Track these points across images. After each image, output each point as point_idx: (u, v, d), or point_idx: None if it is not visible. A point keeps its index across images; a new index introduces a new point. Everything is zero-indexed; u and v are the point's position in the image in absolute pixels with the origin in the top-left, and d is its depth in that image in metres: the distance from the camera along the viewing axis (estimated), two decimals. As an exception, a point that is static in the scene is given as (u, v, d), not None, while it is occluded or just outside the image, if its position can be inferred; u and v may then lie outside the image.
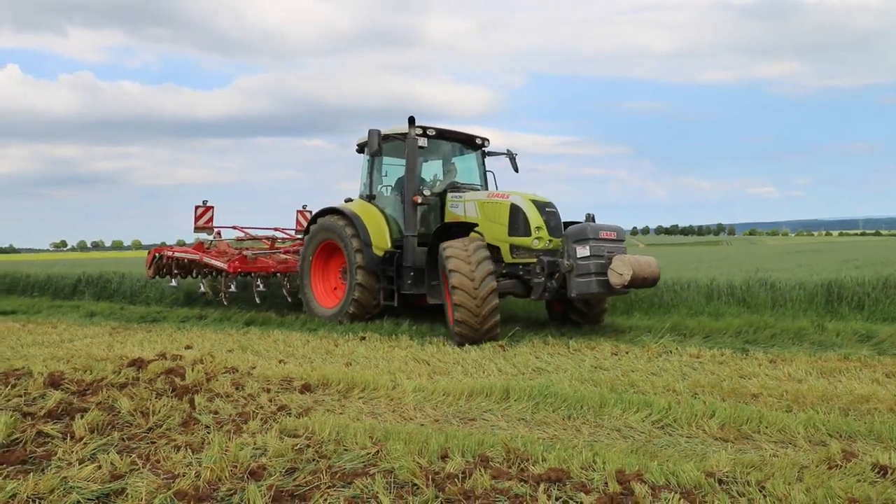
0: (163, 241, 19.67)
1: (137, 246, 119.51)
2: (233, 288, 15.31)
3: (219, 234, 15.73)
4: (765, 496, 4.26)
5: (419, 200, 11.78)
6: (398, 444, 5.21)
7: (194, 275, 16.14)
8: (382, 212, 12.68)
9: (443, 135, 12.51)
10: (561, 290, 10.54)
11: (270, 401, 6.88)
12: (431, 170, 13.34)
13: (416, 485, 4.52)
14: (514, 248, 11.06)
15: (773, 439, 5.61)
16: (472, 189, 12.41)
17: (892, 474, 4.66)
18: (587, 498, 4.25)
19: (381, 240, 12.34)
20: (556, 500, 4.28)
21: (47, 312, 17.00)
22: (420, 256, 11.72)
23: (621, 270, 9.83)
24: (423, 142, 11.87)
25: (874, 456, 4.96)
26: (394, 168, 13.16)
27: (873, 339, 9.65)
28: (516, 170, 13.14)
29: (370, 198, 12.94)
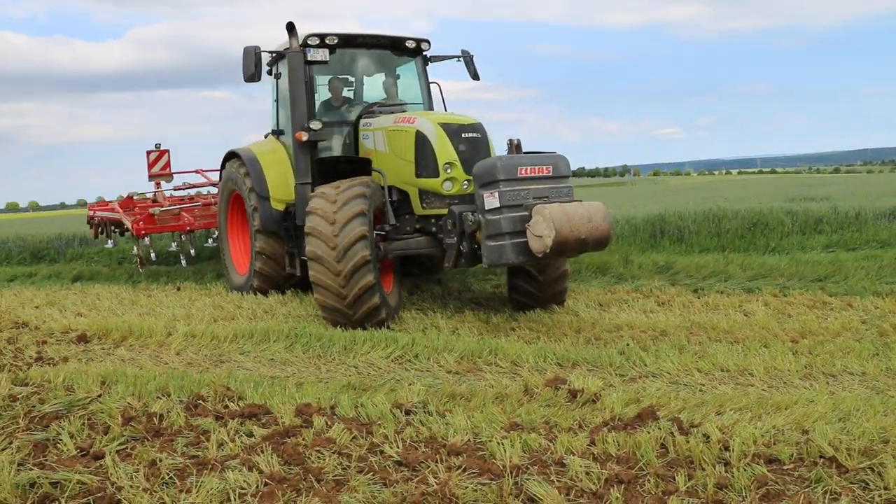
0: (99, 196, 16.82)
1: (34, 207, 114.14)
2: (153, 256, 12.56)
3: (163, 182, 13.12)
4: (446, 423, 4.47)
5: (304, 138, 8.22)
6: (121, 387, 5.30)
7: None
8: (290, 152, 9.27)
9: (353, 42, 9.13)
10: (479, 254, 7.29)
11: (38, 353, 6.90)
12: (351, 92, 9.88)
13: (108, 424, 4.58)
14: (423, 195, 7.94)
15: (502, 370, 5.86)
16: (401, 111, 8.96)
17: (580, 397, 4.95)
18: (262, 431, 4.37)
19: (282, 190, 9.18)
20: (237, 433, 4.39)
21: None
22: None
23: (540, 231, 6.52)
24: (321, 55, 8.75)
25: (577, 382, 5.24)
26: (325, 89, 9.70)
27: (670, 270, 10.13)
28: (475, 76, 9.77)
29: (279, 133, 9.68)
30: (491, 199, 6.82)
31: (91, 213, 14.06)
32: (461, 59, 9.69)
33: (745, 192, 28.78)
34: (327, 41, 8.78)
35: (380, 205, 7.77)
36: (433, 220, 7.96)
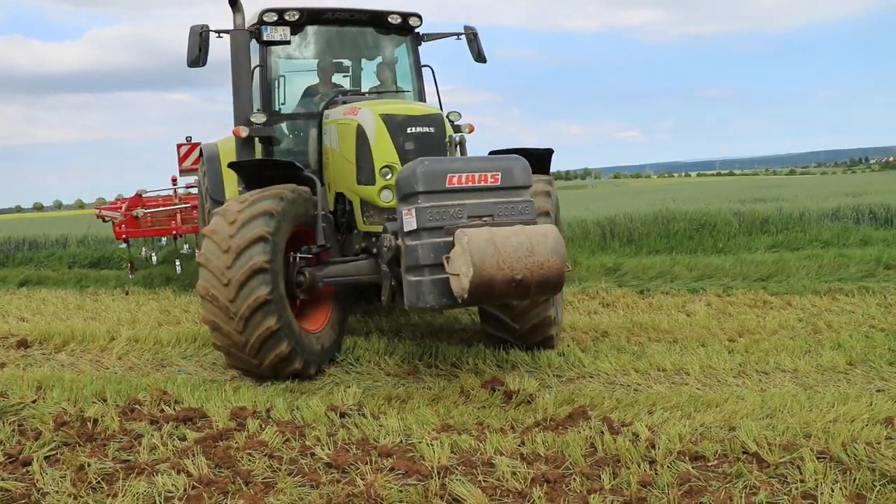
0: (119, 194, 15.22)
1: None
2: (154, 258, 11.93)
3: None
4: (379, 425, 4.51)
5: (242, 133, 6.68)
6: (56, 392, 5.25)
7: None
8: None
9: (322, 18, 7.43)
10: None
11: None
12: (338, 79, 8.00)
13: (40, 430, 4.53)
14: (364, 206, 6.36)
15: (441, 372, 5.92)
16: (377, 98, 7.24)
17: (515, 398, 5.04)
18: (195, 434, 4.36)
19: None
20: (170, 436, 4.38)
21: None
22: None
23: (457, 266, 4.84)
24: (281, 33, 7.20)
25: (514, 383, 5.31)
26: (298, 76, 8.11)
27: (618, 272, 10.27)
28: (481, 58, 7.93)
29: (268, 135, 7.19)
30: (408, 219, 5.07)
31: (98, 212, 13.41)
32: (462, 37, 7.84)
33: (701, 194, 29.24)
34: (287, 17, 7.14)
35: (308, 219, 6.14)
36: (374, 240, 6.12)
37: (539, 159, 6.69)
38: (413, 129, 6.07)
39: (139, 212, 11.23)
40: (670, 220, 13.42)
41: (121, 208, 11.81)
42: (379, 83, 7.75)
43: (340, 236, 6.59)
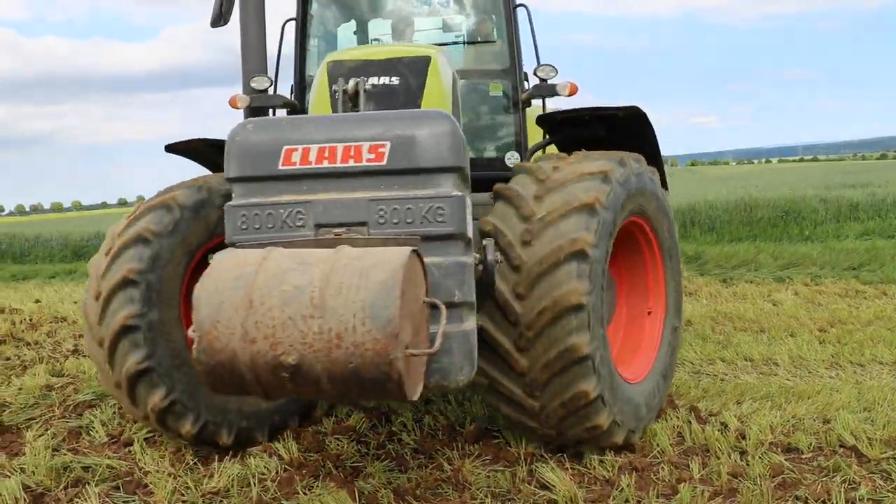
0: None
1: (78, 207, 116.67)
2: None
3: None
4: (463, 411, 4.53)
5: (239, 104, 4.78)
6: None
7: None
8: None
9: None
10: None
11: (75, 346, 7.21)
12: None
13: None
14: None
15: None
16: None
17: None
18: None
19: None
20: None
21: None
22: None
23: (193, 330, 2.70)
24: None
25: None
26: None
27: (699, 260, 10.06)
28: None
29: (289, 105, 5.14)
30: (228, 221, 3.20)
31: None
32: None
33: (784, 180, 28.30)
34: None
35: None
36: None
37: (612, 126, 4.58)
38: (367, 80, 3.81)
39: None
40: (753, 207, 13.08)
41: None
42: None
43: None
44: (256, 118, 3.49)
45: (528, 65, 5.06)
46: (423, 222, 3.02)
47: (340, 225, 3.06)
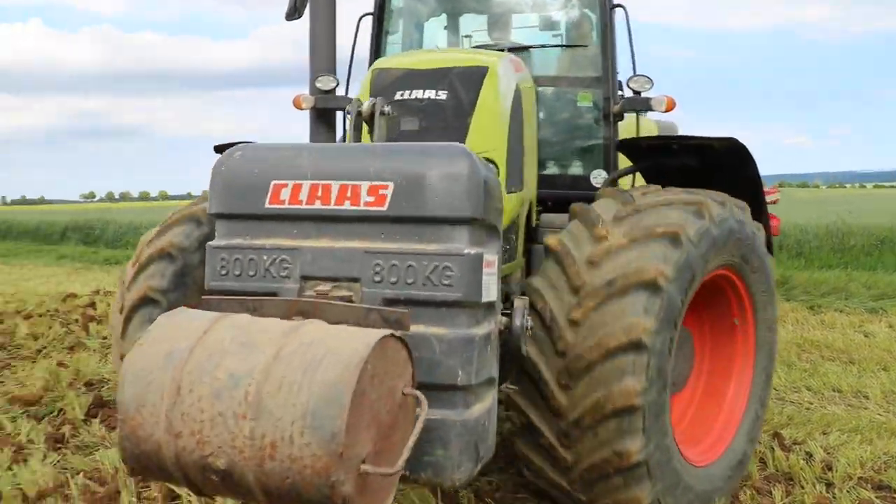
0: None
1: (164, 196, 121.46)
2: None
3: None
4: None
5: (303, 105, 4.32)
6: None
7: None
8: None
9: None
10: None
11: None
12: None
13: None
14: None
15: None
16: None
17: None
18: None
19: None
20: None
21: (24, 256, 17.85)
22: None
23: None
24: None
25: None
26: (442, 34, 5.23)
27: (786, 285, 9.76)
28: None
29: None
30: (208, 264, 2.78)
31: None
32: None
33: (880, 206, 27.12)
34: None
35: None
36: None
37: (706, 167, 4.12)
38: (405, 93, 3.37)
39: None
40: (846, 233, 12.60)
41: None
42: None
43: None
44: (250, 144, 2.91)
45: (622, 75, 4.60)
46: (427, 284, 2.45)
47: (329, 279, 2.55)
